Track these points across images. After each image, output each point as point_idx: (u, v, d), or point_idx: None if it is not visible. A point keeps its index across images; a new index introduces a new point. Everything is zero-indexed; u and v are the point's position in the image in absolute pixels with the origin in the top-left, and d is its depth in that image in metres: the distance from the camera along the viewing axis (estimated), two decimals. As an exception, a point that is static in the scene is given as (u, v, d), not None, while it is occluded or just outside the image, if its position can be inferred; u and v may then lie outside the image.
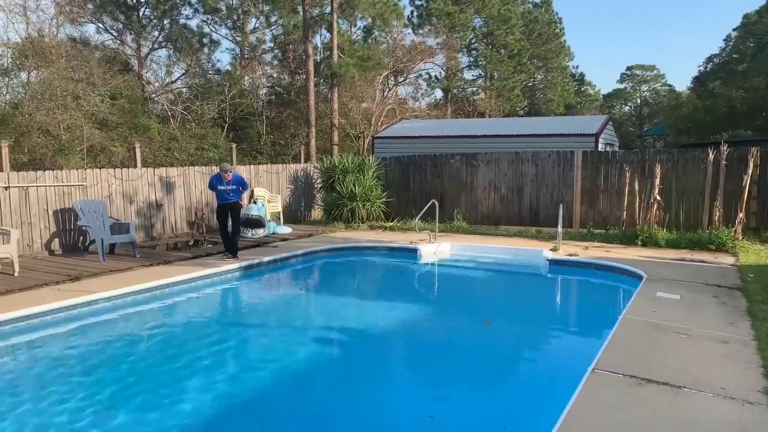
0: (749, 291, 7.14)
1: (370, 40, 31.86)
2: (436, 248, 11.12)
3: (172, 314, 7.64)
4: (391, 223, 13.91)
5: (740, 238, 10.53)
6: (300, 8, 25.67)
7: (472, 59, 41.12)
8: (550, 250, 10.25)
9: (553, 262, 9.78)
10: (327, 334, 6.83)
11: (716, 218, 10.92)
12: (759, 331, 5.50)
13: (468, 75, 41.86)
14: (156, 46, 29.27)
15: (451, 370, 5.58)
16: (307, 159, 20.83)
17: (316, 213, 16.18)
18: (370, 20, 30.41)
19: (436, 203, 11.89)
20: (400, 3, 31.09)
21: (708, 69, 35.57)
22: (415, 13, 36.75)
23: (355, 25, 32.11)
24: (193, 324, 7.20)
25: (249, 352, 6.10)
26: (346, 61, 24.39)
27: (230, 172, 9.50)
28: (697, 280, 7.85)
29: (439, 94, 40.06)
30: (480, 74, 42.00)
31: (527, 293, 9.25)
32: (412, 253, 10.89)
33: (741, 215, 10.70)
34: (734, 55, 33.73)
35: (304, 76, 24.87)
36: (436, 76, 38.45)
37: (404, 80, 34.80)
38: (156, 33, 29.22)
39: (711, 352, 5.04)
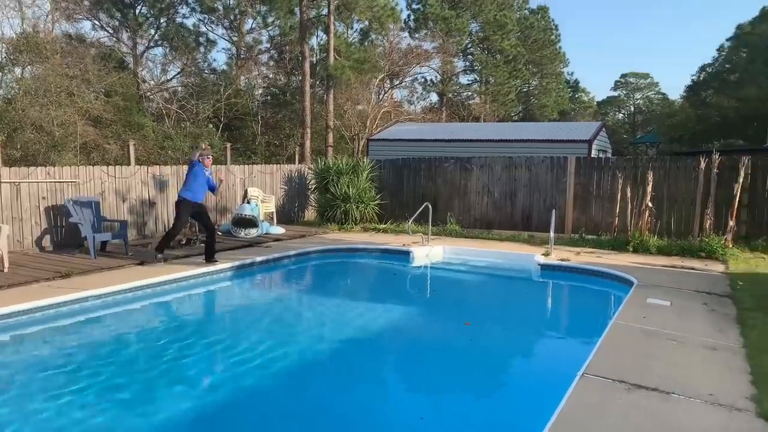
0: (738, 298, 7.18)
1: (366, 43, 31.94)
2: (429, 251, 11.14)
3: (161, 312, 7.61)
4: (384, 226, 13.91)
5: (730, 245, 10.60)
6: (297, 10, 25.71)
7: (467, 64, 41.31)
8: (542, 254, 10.28)
9: (545, 267, 9.81)
10: (317, 335, 6.81)
11: (707, 226, 11.01)
12: (747, 339, 5.54)
13: (463, 79, 42.15)
14: (152, 44, 29.24)
15: (440, 373, 5.58)
16: (302, 160, 20.81)
17: (310, 214, 16.17)
18: (366, 23, 30.51)
19: (430, 206, 11.91)
20: (397, 7, 31.26)
21: (701, 78, 35.88)
22: (412, 17, 36.93)
23: (352, 28, 32.25)
24: (181, 322, 7.18)
25: (236, 350, 6.08)
26: (342, 63, 24.44)
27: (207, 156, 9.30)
28: (688, 287, 7.90)
29: (434, 97, 40.27)
30: (475, 79, 42.21)
31: (518, 297, 9.26)
32: (404, 255, 10.90)
33: (731, 223, 10.79)
34: (727, 65, 34.02)
35: (300, 78, 24.89)
36: (431, 79, 38.66)
37: (400, 83, 34.95)
38: (152, 31, 29.19)
39: (700, 358, 5.07)
